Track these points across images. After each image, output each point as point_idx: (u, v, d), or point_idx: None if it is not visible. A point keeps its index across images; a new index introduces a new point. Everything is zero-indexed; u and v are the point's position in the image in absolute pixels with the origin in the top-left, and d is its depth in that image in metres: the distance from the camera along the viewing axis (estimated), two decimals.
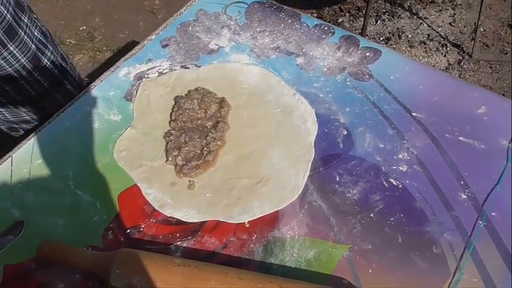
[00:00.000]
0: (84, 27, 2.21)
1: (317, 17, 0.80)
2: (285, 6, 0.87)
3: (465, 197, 0.62)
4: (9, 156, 0.68)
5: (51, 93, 0.91)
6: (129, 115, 0.73)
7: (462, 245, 0.58)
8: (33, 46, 0.84)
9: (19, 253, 0.59)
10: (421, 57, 1.84)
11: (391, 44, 1.88)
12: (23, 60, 0.82)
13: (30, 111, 0.92)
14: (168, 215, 0.63)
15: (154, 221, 0.62)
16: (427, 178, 0.64)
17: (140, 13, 2.10)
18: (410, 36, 1.94)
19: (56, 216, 0.63)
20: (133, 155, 0.68)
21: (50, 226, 0.62)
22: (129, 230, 0.61)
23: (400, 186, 0.64)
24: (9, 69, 0.81)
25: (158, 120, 0.72)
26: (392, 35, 1.92)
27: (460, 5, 2.03)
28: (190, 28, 0.84)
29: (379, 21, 1.99)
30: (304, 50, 0.80)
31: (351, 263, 0.58)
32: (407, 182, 0.64)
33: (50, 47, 0.89)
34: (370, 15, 1.89)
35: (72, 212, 0.63)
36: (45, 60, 0.87)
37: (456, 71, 1.79)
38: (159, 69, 0.79)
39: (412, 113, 0.71)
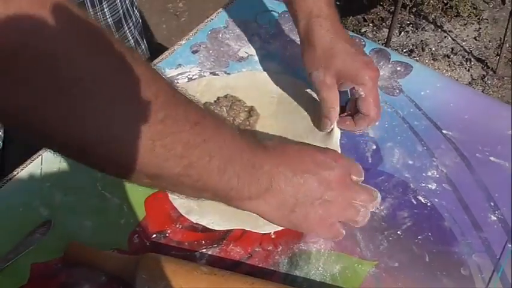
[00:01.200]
0: None
1: None
2: None
3: (495, 218, 0.61)
4: (39, 155, 0.69)
5: None
6: None
7: (491, 268, 0.58)
8: (121, 11, 0.86)
9: (46, 252, 0.60)
10: (444, 71, 1.83)
11: (414, 57, 1.87)
12: (109, 21, 0.84)
13: None
14: (194, 221, 0.63)
15: (180, 226, 0.63)
16: (456, 197, 0.64)
17: (164, 15, 2.11)
18: (434, 49, 1.93)
19: (83, 217, 0.63)
20: None
21: (77, 227, 0.62)
22: (155, 235, 0.62)
23: (428, 204, 0.63)
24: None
25: None
26: (416, 47, 1.91)
27: (486, 19, 2.02)
28: (220, 35, 0.85)
29: (402, 32, 1.98)
30: None
31: (377, 280, 0.57)
32: (436, 200, 0.64)
33: (134, 19, 0.91)
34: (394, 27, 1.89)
35: (99, 213, 0.63)
36: (126, 29, 0.89)
37: (479, 86, 1.78)
38: (189, 74, 0.79)
39: (443, 131, 0.70)
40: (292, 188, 0.53)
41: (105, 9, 0.85)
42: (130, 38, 0.93)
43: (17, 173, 0.67)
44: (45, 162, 0.68)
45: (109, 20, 0.86)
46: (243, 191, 0.51)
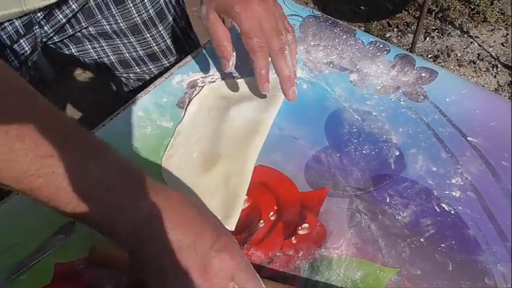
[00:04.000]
0: None
1: (364, 31, 0.80)
2: (340, 21, 0.87)
3: None
4: None
5: (171, 52, 0.94)
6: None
7: None
8: (162, 2, 0.88)
9: (69, 253, 0.60)
10: (470, 77, 1.80)
11: (439, 62, 1.85)
12: (151, 12, 0.85)
13: (146, 69, 0.96)
14: None
15: None
16: (481, 206, 0.63)
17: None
18: (459, 55, 1.90)
19: None
20: None
21: None
22: None
23: (452, 212, 0.62)
24: (137, 18, 0.86)
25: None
26: (441, 53, 1.89)
27: None
28: None
29: (428, 38, 1.96)
30: (358, 67, 0.79)
31: None
32: (460, 208, 0.63)
33: (177, 8, 0.93)
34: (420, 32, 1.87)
35: None
36: (170, 18, 0.91)
37: (506, 92, 1.75)
38: (212, 78, 0.79)
39: (468, 138, 0.69)
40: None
41: (146, 1, 0.87)
42: (177, 29, 0.94)
43: None
44: None
45: (151, 11, 0.88)
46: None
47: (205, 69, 0.81)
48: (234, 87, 0.78)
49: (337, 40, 0.83)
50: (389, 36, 1.97)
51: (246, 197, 0.65)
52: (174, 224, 0.47)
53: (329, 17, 0.87)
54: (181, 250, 0.46)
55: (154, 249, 0.46)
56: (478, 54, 1.88)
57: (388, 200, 0.64)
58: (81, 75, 2.14)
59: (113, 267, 0.58)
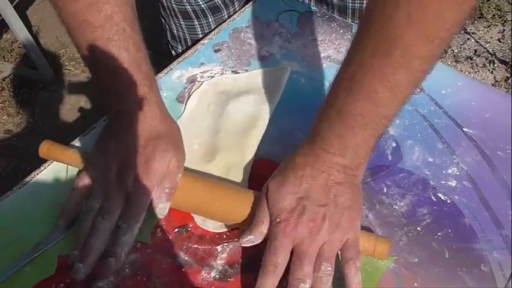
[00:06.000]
0: None
1: None
2: (337, 16, 0.88)
3: None
4: None
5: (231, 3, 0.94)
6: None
7: (511, 265, 0.58)
8: None
9: (72, 245, 0.61)
10: (467, 73, 1.81)
11: None
12: None
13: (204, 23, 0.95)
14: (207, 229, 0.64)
15: None
16: (477, 195, 0.64)
17: None
18: (456, 51, 1.91)
19: None
20: None
21: None
22: (177, 229, 0.63)
23: (448, 201, 0.63)
24: None
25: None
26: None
27: (510, 21, 1.99)
28: (242, 34, 0.86)
29: None
30: None
31: (396, 275, 0.58)
32: (456, 197, 0.64)
33: None
34: None
35: None
36: None
37: (503, 88, 1.76)
38: (211, 73, 0.80)
39: (463, 129, 0.70)
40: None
41: None
42: None
43: (45, 168, 0.69)
44: None
45: None
46: None
47: (204, 64, 0.81)
48: (233, 82, 0.79)
49: (334, 35, 0.84)
50: None
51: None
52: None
53: (326, 12, 0.88)
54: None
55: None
56: (475, 50, 1.90)
57: (385, 190, 0.65)
58: (81, 74, 2.14)
59: (62, 162, 0.66)
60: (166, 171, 0.61)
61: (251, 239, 0.57)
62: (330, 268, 0.55)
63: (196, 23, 0.94)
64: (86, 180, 0.62)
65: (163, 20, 1.00)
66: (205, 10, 0.92)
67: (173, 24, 0.97)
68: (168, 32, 1.00)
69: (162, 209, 0.61)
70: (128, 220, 0.59)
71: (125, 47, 0.60)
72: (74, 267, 0.57)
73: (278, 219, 0.55)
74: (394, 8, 0.46)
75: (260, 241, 0.57)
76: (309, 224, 0.54)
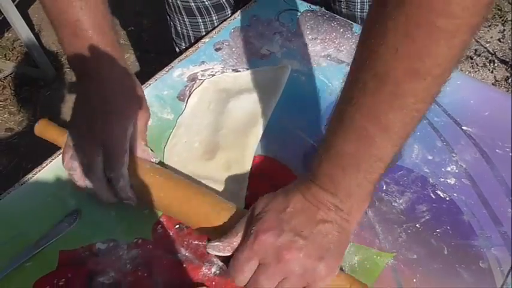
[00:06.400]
0: (132, 28, 2.27)
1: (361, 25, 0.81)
2: (337, 16, 0.88)
3: None
4: None
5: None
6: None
7: (509, 261, 0.58)
8: None
9: (73, 240, 0.62)
10: (467, 73, 1.82)
11: None
12: None
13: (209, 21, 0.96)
14: None
15: None
16: (476, 192, 0.64)
17: None
18: None
19: (109, 207, 0.65)
20: None
21: (103, 216, 0.64)
22: (177, 226, 0.63)
23: (447, 198, 0.64)
24: None
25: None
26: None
27: (511, 20, 2.00)
28: (243, 33, 0.86)
29: None
30: None
31: (395, 272, 0.58)
32: (455, 195, 0.64)
33: None
34: None
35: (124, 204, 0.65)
36: None
37: (503, 87, 1.77)
38: (212, 71, 0.81)
39: (462, 127, 0.71)
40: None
41: None
42: None
43: (46, 165, 0.69)
44: None
45: None
46: None
47: (205, 62, 0.82)
48: (234, 80, 0.79)
49: (334, 34, 0.85)
50: None
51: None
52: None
53: (326, 11, 0.89)
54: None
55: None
56: (475, 50, 1.90)
57: (384, 188, 0.65)
58: None
59: (56, 142, 0.67)
60: (135, 122, 0.65)
61: (217, 246, 0.54)
62: None
63: (200, 20, 0.95)
64: (68, 153, 0.64)
65: (168, 17, 1.01)
66: (209, 8, 0.93)
67: (177, 21, 0.98)
68: (172, 29, 1.01)
69: (153, 155, 0.67)
70: (112, 167, 0.61)
71: (87, 8, 0.62)
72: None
73: (252, 231, 0.52)
74: (381, 42, 0.44)
75: (227, 254, 0.54)
76: (280, 249, 0.50)
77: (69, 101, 2.03)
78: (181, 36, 1.00)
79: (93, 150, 0.61)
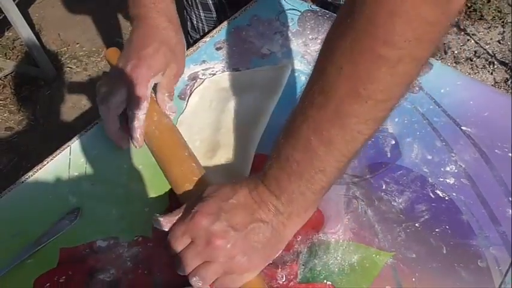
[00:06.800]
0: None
1: None
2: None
3: None
4: (68, 146, 0.71)
5: None
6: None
7: (508, 261, 0.58)
8: None
9: (74, 238, 0.62)
10: (467, 74, 1.82)
11: (437, 59, 1.86)
12: None
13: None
14: None
15: None
16: (475, 192, 0.64)
17: None
18: (456, 52, 1.92)
19: (110, 205, 0.65)
20: None
21: (104, 214, 0.65)
22: None
23: (446, 198, 0.64)
24: None
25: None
26: (438, 50, 1.91)
27: (511, 22, 2.00)
28: (243, 33, 0.87)
29: None
30: None
31: (394, 271, 0.59)
32: (454, 194, 0.64)
33: None
34: None
35: (125, 202, 0.66)
36: None
37: (503, 89, 1.77)
38: (212, 70, 0.81)
39: (462, 127, 0.71)
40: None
41: None
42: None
43: (47, 163, 0.70)
44: (73, 153, 0.71)
45: None
46: None
47: (205, 61, 0.82)
48: (234, 80, 0.79)
49: None
50: None
51: None
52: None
53: (326, 11, 0.89)
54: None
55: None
56: (475, 52, 1.90)
57: (384, 187, 0.66)
58: (82, 72, 2.15)
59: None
60: (162, 73, 0.70)
61: (159, 221, 0.56)
62: (200, 284, 0.53)
63: (215, 15, 0.97)
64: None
65: (185, 11, 1.04)
66: (225, 4, 0.96)
67: (194, 15, 1.01)
68: (188, 23, 1.05)
69: (171, 107, 0.71)
70: (132, 107, 0.67)
71: None
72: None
73: (193, 211, 0.54)
74: (329, 59, 0.46)
75: (166, 229, 0.56)
76: (211, 235, 0.52)
77: (69, 100, 2.04)
78: (197, 30, 1.03)
79: (119, 91, 0.67)
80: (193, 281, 0.53)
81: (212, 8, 0.96)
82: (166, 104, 0.70)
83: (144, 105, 0.67)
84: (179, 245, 0.54)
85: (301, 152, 0.50)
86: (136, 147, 0.68)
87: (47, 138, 1.79)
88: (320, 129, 0.48)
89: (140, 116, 0.67)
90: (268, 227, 0.53)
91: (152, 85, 0.69)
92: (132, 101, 0.67)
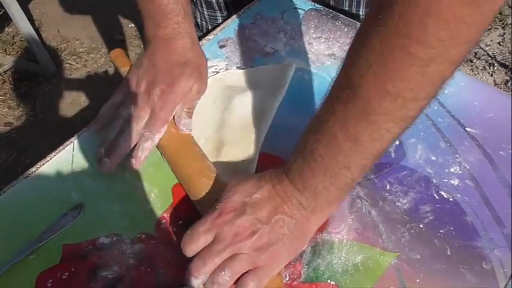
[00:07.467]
0: (132, 25, 2.27)
1: None
2: (341, 15, 0.88)
3: None
4: (71, 142, 0.71)
5: None
6: None
7: None
8: None
9: (77, 234, 0.62)
10: None
11: None
12: None
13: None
14: None
15: None
16: (479, 193, 0.64)
17: None
18: None
19: (113, 202, 0.65)
20: None
21: (107, 210, 0.64)
22: (181, 222, 0.63)
23: (451, 199, 0.64)
24: None
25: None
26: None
27: (511, 24, 2.00)
28: (247, 31, 0.86)
29: None
30: None
31: (398, 271, 0.58)
32: (458, 196, 0.64)
33: None
34: None
35: (128, 199, 0.65)
36: None
37: (503, 91, 1.77)
38: (216, 68, 0.81)
39: (466, 128, 0.71)
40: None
41: None
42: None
43: (50, 159, 0.69)
44: (76, 149, 0.71)
45: None
46: None
47: (209, 59, 0.82)
48: (238, 78, 0.79)
49: (338, 33, 0.85)
50: None
51: None
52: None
53: (330, 10, 0.89)
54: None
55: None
56: (475, 53, 1.91)
57: (388, 187, 0.65)
58: (82, 69, 2.15)
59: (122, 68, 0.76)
60: (188, 94, 0.70)
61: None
62: (228, 279, 0.53)
63: (219, 14, 0.97)
64: (119, 93, 0.71)
65: None
66: (229, 3, 0.96)
67: (198, 14, 1.00)
68: None
69: (186, 124, 0.69)
70: (151, 129, 0.67)
71: None
72: (102, 161, 0.66)
73: (216, 207, 0.55)
74: (359, 54, 0.45)
75: None
76: (238, 228, 0.53)
77: (68, 97, 2.03)
78: (201, 28, 1.03)
79: (144, 111, 0.67)
80: (221, 275, 0.52)
81: (216, 7, 0.96)
82: (182, 119, 0.69)
83: (164, 129, 0.68)
84: (202, 242, 0.54)
85: (326, 146, 0.50)
86: (133, 165, 0.67)
87: (46, 134, 1.79)
88: (347, 125, 0.48)
89: (156, 139, 0.67)
90: (292, 221, 0.54)
91: (174, 109, 0.69)
92: (153, 123, 0.67)
